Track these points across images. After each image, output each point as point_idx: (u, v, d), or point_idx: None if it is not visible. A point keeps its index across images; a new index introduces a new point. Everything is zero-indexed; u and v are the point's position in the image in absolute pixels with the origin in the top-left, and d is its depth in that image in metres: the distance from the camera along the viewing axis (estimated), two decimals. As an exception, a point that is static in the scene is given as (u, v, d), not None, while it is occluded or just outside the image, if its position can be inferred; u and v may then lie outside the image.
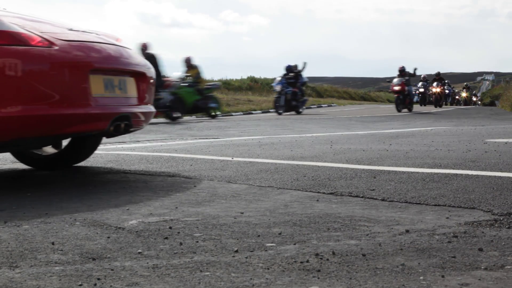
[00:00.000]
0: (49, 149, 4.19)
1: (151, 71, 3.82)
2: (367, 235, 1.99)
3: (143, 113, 3.66)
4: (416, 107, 21.27)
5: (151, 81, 3.81)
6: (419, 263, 1.64)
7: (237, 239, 1.96)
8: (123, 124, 3.39)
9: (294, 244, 1.88)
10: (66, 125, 3.10)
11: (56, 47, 3.00)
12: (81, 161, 4.19)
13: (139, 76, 3.64)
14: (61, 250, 1.82)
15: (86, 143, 4.06)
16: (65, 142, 4.12)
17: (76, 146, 4.07)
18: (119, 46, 3.55)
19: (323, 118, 14.42)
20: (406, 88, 17.87)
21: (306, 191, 2.95)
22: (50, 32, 3.08)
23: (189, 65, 14.93)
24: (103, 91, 3.28)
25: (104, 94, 3.29)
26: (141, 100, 3.65)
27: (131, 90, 3.56)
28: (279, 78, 17.81)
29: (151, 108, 3.83)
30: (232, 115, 17.91)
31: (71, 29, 3.33)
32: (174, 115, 13.19)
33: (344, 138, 6.53)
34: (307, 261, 1.67)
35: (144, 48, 13.25)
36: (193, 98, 14.38)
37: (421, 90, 23.91)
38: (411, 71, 18.67)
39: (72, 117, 3.08)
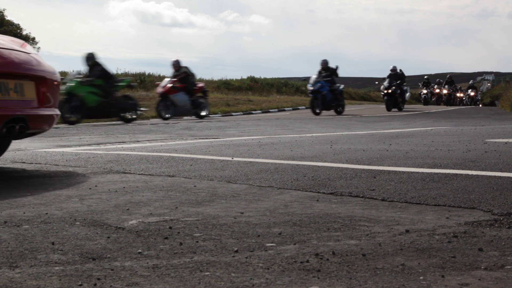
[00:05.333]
0: None
1: (55, 76, 3.82)
2: (367, 235, 1.99)
3: (43, 115, 3.68)
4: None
5: (55, 84, 3.82)
6: (419, 263, 1.64)
7: (237, 239, 1.96)
8: (18, 126, 3.41)
9: (294, 244, 1.88)
10: None
11: None
12: None
13: (40, 80, 3.66)
14: (61, 250, 1.82)
15: None
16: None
17: None
18: (19, 51, 3.57)
19: (323, 118, 14.41)
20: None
21: (306, 191, 2.95)
22: None
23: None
24: None
25: None
26: (42, 103, 3.68)
27: (29, 94, 3.59)
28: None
29: (54, 111, 3.84)
30: (232, 115, 17.90)
31: None
32: None
33: (344, 138, 6.53)
34: (307, 261, 1.67)
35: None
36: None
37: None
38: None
39: None
